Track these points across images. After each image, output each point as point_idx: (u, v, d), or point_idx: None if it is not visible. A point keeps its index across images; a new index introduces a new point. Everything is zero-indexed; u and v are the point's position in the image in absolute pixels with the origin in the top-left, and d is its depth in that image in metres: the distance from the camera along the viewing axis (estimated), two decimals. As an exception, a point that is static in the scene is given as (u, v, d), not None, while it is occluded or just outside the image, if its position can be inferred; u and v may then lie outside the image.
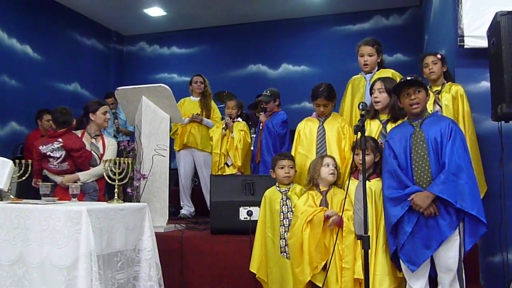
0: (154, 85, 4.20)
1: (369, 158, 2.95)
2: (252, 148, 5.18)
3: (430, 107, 3.49)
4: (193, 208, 5.40)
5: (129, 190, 3.74)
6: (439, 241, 2.62)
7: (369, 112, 3.25)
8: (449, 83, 3.54)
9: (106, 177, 3.18)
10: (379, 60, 3.81)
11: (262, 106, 5.04)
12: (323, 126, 3.53)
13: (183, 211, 5.33)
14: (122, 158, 3.19)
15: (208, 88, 5.49)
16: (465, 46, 3.57)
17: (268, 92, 4.93)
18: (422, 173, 2.69)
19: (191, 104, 5.42)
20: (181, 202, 5.39)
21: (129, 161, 3.20)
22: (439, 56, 3.60)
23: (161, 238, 3.44)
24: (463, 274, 2.68)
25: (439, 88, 3.60)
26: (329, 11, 7.82)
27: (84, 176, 3.87)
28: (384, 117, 3.25)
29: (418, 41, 7.08)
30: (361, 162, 2.87)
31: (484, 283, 3.39)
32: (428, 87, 3.74)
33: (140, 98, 4.18)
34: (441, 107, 3.55)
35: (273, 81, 7.85)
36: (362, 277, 2.63)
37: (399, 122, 3.11)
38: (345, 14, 7.86)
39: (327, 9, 7.74)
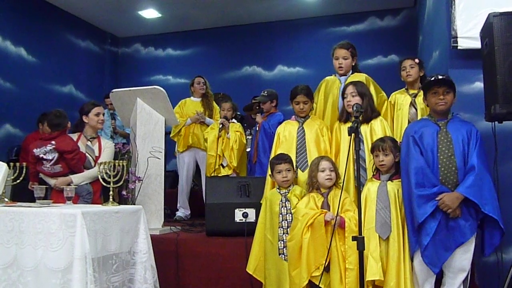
0: (149, 87, 4.19)
1: (388, 159, 2.97)
2: (248, 149, 5.19)
3: (406, 110, 3.56)
4: (189, 211, 5.39)
5: (124, 192, 3.73)
6: (459, 243, 2.65)
7: (343, 116, 3.38)
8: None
9: (100, 180, 3.17)
10: (353, 64, 3.85)
11: (258, 107, 5.05)
12: (303, 128, 3.58)
13: (178, 214, 5.32)
14: (117, 161, 3.18)
15: (209, 89, 5.52)
16: (459, 47, 3.59)
17: (266, 92, 4.97)
18: (449, 173, 2.71)
19: (193, 105, 5.44)
20: (178, 204, 5.38)
21: (124, 164, 3.19)
22: (416, 60, 3.73)
23: (156, 241, 3.44)
24: (469, 275, 2.71)
25: (415, 91, 3.73)
26: (323, 13, 7.85)
27: (78, 178, 3.84)
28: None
29: (412, 42, 7.12)
30: (380, 164, 2.93)
31: (480, 283, 3.39)
32: (405, 89, 3.83)
33: (135, 100, 4.17)
34: (417, 110, 3.62)
35: (268, 82, 7.86)
36: (382, 278, 2.68)
37: (372, 122, 3.25)
38: (339, 16, 7.90)
39: (321, 10, 7.77)
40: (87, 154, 3.96)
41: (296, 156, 3.53)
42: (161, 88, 4.12)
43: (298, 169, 3.52)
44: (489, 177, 2.67)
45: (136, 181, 3.83)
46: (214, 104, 5.53)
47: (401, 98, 3.89)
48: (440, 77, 2.83)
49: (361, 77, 3.72)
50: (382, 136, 3.14)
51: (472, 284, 3.31)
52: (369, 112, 3.28)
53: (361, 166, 3.11)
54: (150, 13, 7.97)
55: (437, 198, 2.66)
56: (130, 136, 4.32)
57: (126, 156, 3.92)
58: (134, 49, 9.10)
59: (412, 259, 2.81)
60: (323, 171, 3.10)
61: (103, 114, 4.15)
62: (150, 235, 3.20)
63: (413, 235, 2.77)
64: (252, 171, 4.87)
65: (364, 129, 3.29)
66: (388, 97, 3.95)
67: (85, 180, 3.88)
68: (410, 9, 7.57)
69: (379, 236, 2.84)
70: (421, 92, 3.56)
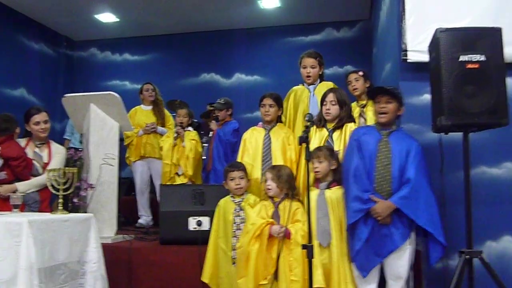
0: (103, 92, 4.12)
1: (323, 166, 3.01)
2: (204, 157, 5.18)
3: (357, 120, 3.66)
4: (151, 217, 5.31)
5: (75, 200, 3.64)
6: (390, 250, 2.71)
7: (320, 122, 3.38)
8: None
9: (50, 187, 3.09)
10: (320, 73, 3.91)
11: (214, 114, 5.06)
12: (269, 135, 3.59)
13: (140, 221, 5.26)
14: (67, 168, 3.11)
15: (158, 96, 5.45)
16: (408, 60, 3.68)
17: (222, 100, 4.99)
18: (383, 181, 2.78)
19: (143, 114, 5.36)
20: (139, 212, 5.31)
21: (74, 171, 3.12)
22: (360, 73, 3.81)
23: (108, 249, 3.39)
24: (412, 283, 2.78)
25: (364, 102, 3.80)
26: (282, 22, 7.95)
27: (23, 186, 3.67)
28: (331, 126, 3.34)
29: (367, 54, 7.30)
30: (315, 171, 2.97)
31: (427, 289, 3.50)
32: (356, 102, 3.92)
33: (88, 106, 4.09)
34: (365, 120, 3.72)
35: (225, 90, 7.89)
36: (323, 285, 2.70)
37: (347, 129, 3.27)
38: (297, 26, 8.01)
39: (280, 20, 7.86)
40: (34, 161, 3.82)
41: (262, 164, 3.54)
42: (116, 94, 4.07)
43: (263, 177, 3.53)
44: (428, 190, 2.74)
45: (88, 189, 3.76)
46: (166, 111, 5.47)
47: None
48: (387, 87, 2.93)
49: (329, 85, 3.76)
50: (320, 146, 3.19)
51: (420, 290, 3.41)
52: (344, 120, 3.29)
53: None
54: (107, 17, 7.85)
55: (371, 198, 2.72)
56: (83, 142, 4.23)
57: (78, 162, 3.83)
58: (90, 53, 8.93)
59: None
60: (265, 181, 3.14)
61: (46, 122, 3.96)
62: (102, 243, 3.15)
63: (351, 239, 2.84)
64: (207, 180, 4.86)
65: (337, 135, 3.31)
66: None
67: (32, 188, 3.72)
68: (365, 21, 7.76)
69: (319, 243, 2.89)
70: (370, 102, 3.66)
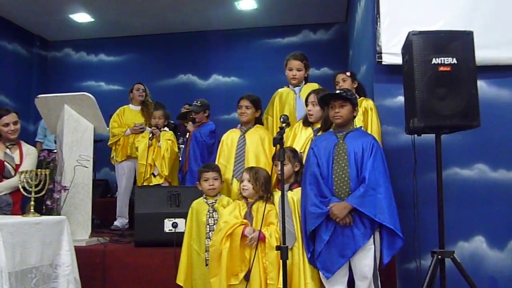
0: (77, 93, 4.06)
1: (287, 168, 3.01)
2: (180, 158, 5.15)
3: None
4: (127, 220, 5.24)
5: (49, 202, 3.58)
6: (354, 250, 2.73)
7: (306, 122, 3.44)
8: (361, 98, 3.71)
9: (21, 189, 3.03)
10: (306, 75, 3.93)
11: (191, 116, 5.04)
12: (244, 137, 3.61)
13: (116, 223, 5.17)
14: (39, 169, 3.06)
15: (148, 97, 5.41)
16: (383, 63, 3.74)
17: (199, 102, 4.96)
18: (342, 184, 2.79)
19: (132, 113, 5.31)
20: (117, 214, 5.23)
21: (47, 172, 3.07)
22: (348, 74, 3.81)
23: (82, 252, 3.35)
24: (379, 282, 2.80)
25: None
26: (259, 24, 7.95)
27: (-5, 188, 3.63)
28: (318, 125, 3.37)
29: (343, 56, 7.37)
30: (278, 172, 2.98)
31: (401, 289, 3.55)
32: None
33: (62, 107, 4.02)
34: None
35: (202, 91, 7.86)
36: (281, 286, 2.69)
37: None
38: (274, 28, 8.02)
39: (257, 22, 7.87)
40: (5, 163, 3.74)
41: (234, 165, 3.55)
42: (90, 95, 4.01)
43: (234, 179, 3.54)
44: (386, 187, 2.75)
45: (62, 191, 3.69)
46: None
47: None
48: (337, 92, 2.95)
49: (313, 86, 3.78)
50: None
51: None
52: (328, 121, 3.27)
53: None
54: (82, 17, 7.73)
55: (328, 207, 2.73)
56: (56, 143, 4.16)
57: (51, 164, 3.76)
58: (65, 54, 8.78)
59: (311, 264, 2.89)
60: (242, 181, 3.14)
61: (16, 123, 3.88)
62: (76, 246, 3.11)
63: (305, 242, 2.87)
64: (183, 182, 4.83)
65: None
66: None
67: (3, 190, 3.67)
68: (341, 24, 7.83)
69: None
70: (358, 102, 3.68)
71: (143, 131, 5.12)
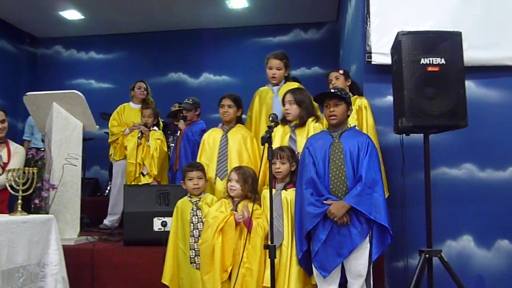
0: (66, 91, 4.04)
1: (285, 167, 3.04)
2: (170, 157, 5.13)
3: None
4: (120, 217, 5.18)
5: (37, 201, 3.56)
6: (350, 248, 2.73)
7: (283, 121, 3.44)
8: (355, 96, 3.72)
9: (8, 188, 3.01)
10: (286, 74, 3.92)
11: (182, 114, 5.03)
12: (227, 136, 3.61)
13: (105, 222, 5.12)
14: (27, 168, 3.04)
15: (150, 96, 5.35)
16: (373, 62, 3.76)
17: (191, 100, 4.97)
18: (339, 183, 2.80)
19: (132, 112, 5.24)
20: (108, 212, 5.18)
21: (35, 171, 3.05)
22: (341, 72, 3.81)
23: (70, 251, 3.34)
24: (371, 280, 2.81)
25: None
26: (250, 23, 7.94)
27: (-18, 187, 3.60)
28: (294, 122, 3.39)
29: (334, 56, 7.39)
30: (276, 171, 3.00)
31: (389, 287, 3.57)
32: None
33: (51, 105, 4.00)
34: None
35: (193, 90, 7.84)
36: (269, 285, 2.69)
37: (309, 127, 3.32)
38: (266, 26, 8.03)
39: (248, 20, 7.86)
40: (-7, 161, 3.74)
41: (217, 164, 3.55)
42: (79, 93, 3.99)
43: (217, 178, 3.54)
44: (381, 185, 2.78)
45: (50, 189, 3.67)
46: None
47: None
48: (332, 91, 2.95)
49: (292, 86, 3.78)
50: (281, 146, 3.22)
51: (382, 289, 3.48)
52: (305, 118, 3.34)
53: None
54: (72, 14, 7.68)
55: (325, 203, 2.74)
56: (45, 142, 4.13)
57: (39, 162, 3.74)
58: (55, 51, 8.72)
59: (300, 265, 2.90)
60: (230, 181, 3.15)
61: (3, 121, 3.84)
62: (65, 245, 3.09)
63: (299, 242, 2.87)
64: (173, 181, 4.81)
65: (299, 132, 3.36)
66: None
67: (-9, 188, 3.66)
68: (333, 23, 7.85)
69: None
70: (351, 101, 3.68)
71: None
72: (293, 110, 3.37)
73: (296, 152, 3.18)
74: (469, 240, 3.64)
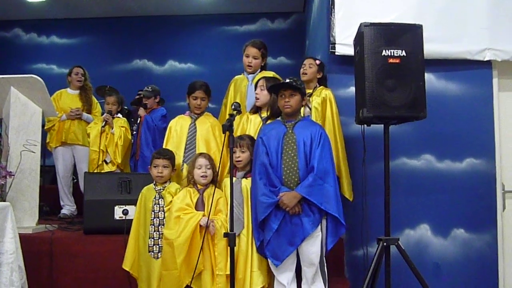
0: (25, 75, 3.92)
1: (245, 156, 3.05)
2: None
3: (302, 109, 3.68)
4: (75, 206, 5.10)
5: (-8, 188, 3.46)
6: (302, 237, 2.77)
7: (253, 108, 3.44)
8: (321, 87, 3.75)
9: (-38, 175, 2.91)
10: (263, 64, 3.90)
11: (142, 102, 4.98)
12: (195, 124, 3.58)
13: (63, 211, 5.00)
14: (-19, 154, 2.94)
15: (88, 82, 5.21)
16: (336, 53, 3.79)
17: (150, 88, 4.97)
18: (291, 173, 2.82)
19: (69, 98, 5.10)
20: (61, 202, 5.07)
21: (-11, 158, 2.96)
22: (317, 62, 3.82)
23: (28, 240, 3.28)
24: (325, 268, 2.86)
25: (310, 91, 3.79)
26: (217, 11, 7.90)
27: None
28: (265, 114, 3.37)
29: (300, 46, 7.42)
30: (236, 160, 3.00)
31: (349, 275, 3.64)
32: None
33: (8, 89, 3.88)
34: (310, 109, 3.75)
35: (158, 77, 7.77)
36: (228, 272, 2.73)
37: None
38: (232, 15, 7.99)
39: (215, 9, 7.81)
40: None
41: (184, 152, 3.52)
42: (38, 78, 3.88)
43: (184, 165, 3.51)
44: (333, 176, 2.82)
45: (7, 176, 3.56)
46: (94, 98, 5.25)
47: None
48: (287, 80, 2.95)
49: (269, 74, 3.75)
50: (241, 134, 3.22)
51: (342, 277, 3.55)
52: (276, 109, 3.27)
53: None
54: (32, -4, 7.45)
55: (278, 196, 2.77)
56: (2, 127, 4.00)
57: (-5, 149, 3.63)
58: (14, 34, 8.43)
59: (259, 253, 2.93)
60: (199, 168, 3.12)
61: None
62: (22, 234, 3.03)
63: (256, 230, 2.90)
64: (136, 169, 4.76)
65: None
66: None
67: None
68: (299, 13, 7.86)
69: None
70: (316, 92, 3.71)
71: (80, 117, 4.96)
72: (263, 96, 3.34)
73: None
74: (426, 229, 3.75)
